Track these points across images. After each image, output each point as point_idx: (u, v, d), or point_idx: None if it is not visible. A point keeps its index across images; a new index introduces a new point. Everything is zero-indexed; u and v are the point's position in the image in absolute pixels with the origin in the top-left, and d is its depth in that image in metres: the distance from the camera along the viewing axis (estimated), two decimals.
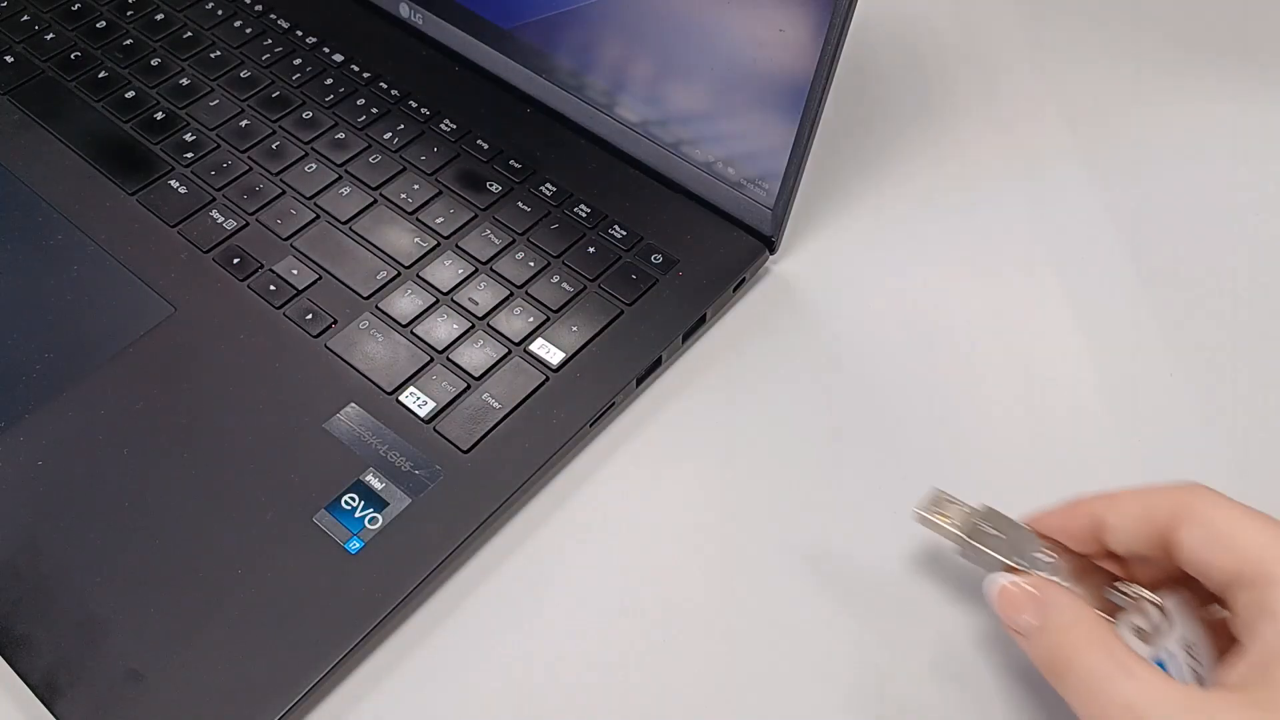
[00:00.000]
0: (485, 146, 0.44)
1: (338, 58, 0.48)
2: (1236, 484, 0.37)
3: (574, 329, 0.38)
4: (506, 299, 0.39)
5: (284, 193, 0.42)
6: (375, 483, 0.34)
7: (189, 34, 0.49)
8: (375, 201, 0.42)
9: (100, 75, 0.47)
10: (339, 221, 0.42)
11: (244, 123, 0.45)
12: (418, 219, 0.42)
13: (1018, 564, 0.30)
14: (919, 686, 0.32)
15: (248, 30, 0.49)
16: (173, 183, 0.43)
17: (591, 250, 0.41)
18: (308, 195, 0.42)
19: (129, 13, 0.50)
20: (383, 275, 0.40)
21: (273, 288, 0.39)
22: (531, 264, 0.40)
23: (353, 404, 0.36)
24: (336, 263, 0.40)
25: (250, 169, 0.43)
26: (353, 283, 0.40)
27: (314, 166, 0.43)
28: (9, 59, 0.47)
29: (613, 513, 0.36)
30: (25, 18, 0.49)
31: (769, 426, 0.38)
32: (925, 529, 0.32)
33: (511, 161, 0.44)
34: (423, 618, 0.33)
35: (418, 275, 0.40)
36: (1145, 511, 0.28)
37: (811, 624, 0.33)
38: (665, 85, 0.41)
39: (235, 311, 0.39)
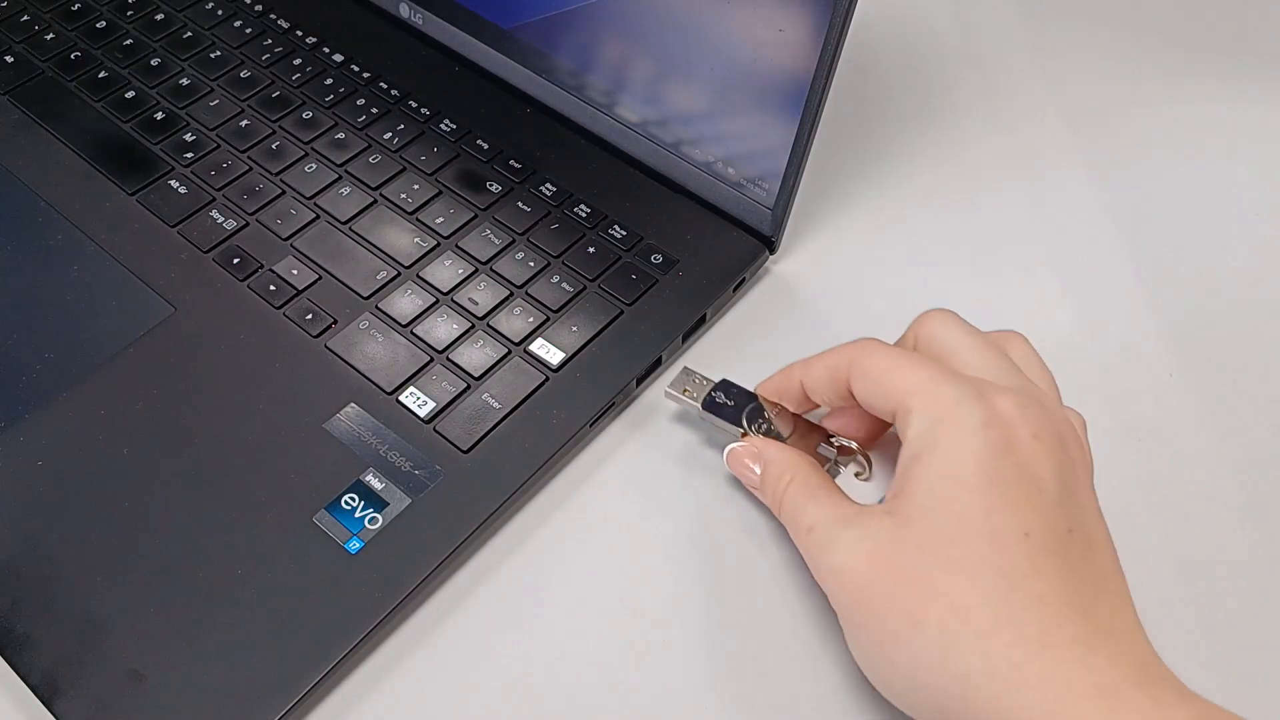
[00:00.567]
0: (485, 146, 0.44)
1: (338, 58, 0.48)
2: (1238, 483, 0.37)
3: (574, 329, 0.38)
4: (506, 299, 0.39)
5: (284, 193, 0.42)
6: (375, 483, 0.34)
7: (189, 34, 0.49)
8: (375, 201, 0.42)
9: (100, 75, 0.47)
10: (339, 221, 0.42)
11: (244, 123, 0.45)
12: (418, 219, 0.42)
13: (745, 428, 0.35)
14: None
15: (248, 30, 0.49)
16: (173, 183, 0.43)
17: (591, 250, 0.41)
18: (308, 195, 0.42)
19: (129, 13, 0.50)
20: (383, 275, 0.40)
21: (273, 288, 0.39)
22: (531, 264, 0.40)
23: (353, 404, 0.36)
24: (336, 263, 0.40)
25: (250, 169, 0.43)
26: (353, 283, 0.40)
27: (314, 166, 0.43)
28: (9, 59, 0.47)
29: (613, 513, 0.36)
30: (25, 18, 0.49)
31: None
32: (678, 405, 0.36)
33: (511, 161, 0.44)
34: (423, 618, 0.33)
35: (418, 275, 0.40)
36: (829, 371, 0.32)
37: (812, 623, 0.33)
38: (665, 85, 0.41)
39: (235, 311, 0.39)
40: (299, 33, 0.49)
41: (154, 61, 0.47)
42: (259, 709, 0.30)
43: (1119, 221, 0.45)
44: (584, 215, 0.42)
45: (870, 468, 0.34)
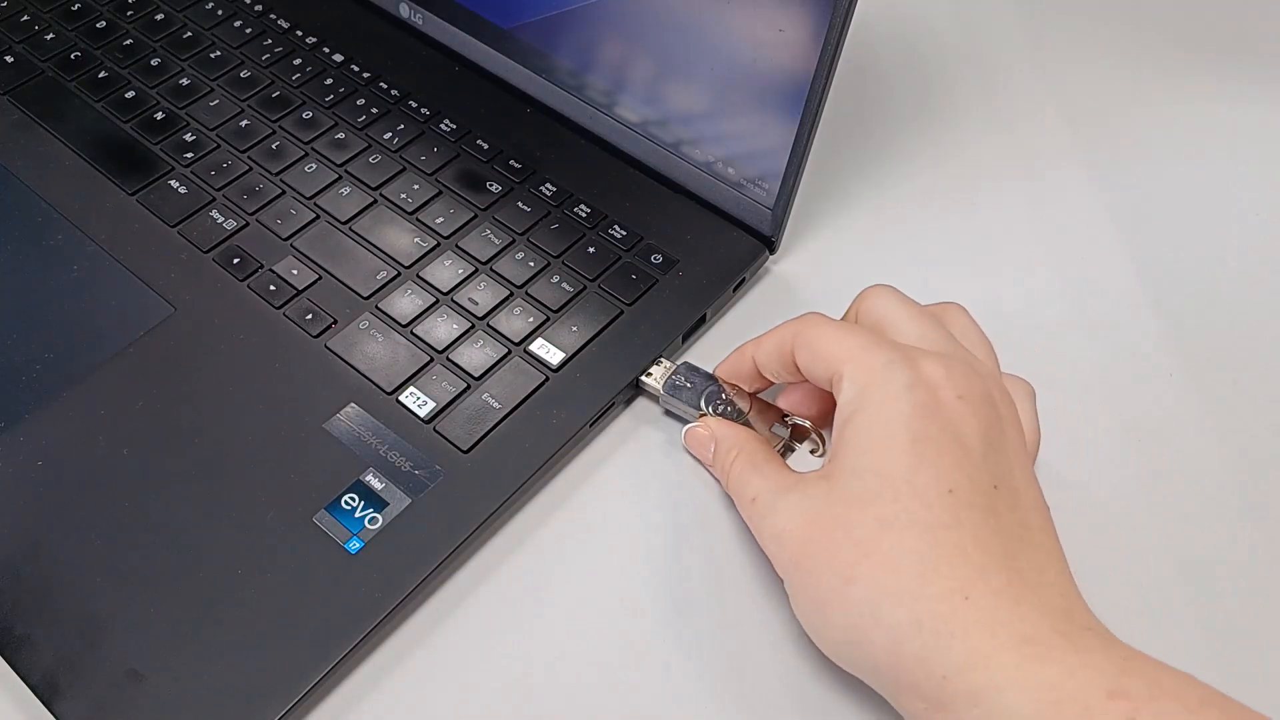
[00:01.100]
0: (485, 146, 0.44)
1: (338, 58, 0.48)
2: (1237, 483, 0.37)
3: (574, 329, 0.38)
4: (506, 299, 0.39)
5: (284, 193, 0.42)
6: (375, 483, 0.34)
7: (189, 34, 0.49)
8: (375, 201, 0.42)
9: (100, 75, 0.47)
10: (339, 221, 0.42)
11: (244, 123, 0.45)
12: (418, 219, 0.42)
13: (702, 409, 0.36)
14: None
15: (248, 30, 0.49)
16: (173, 183, 0.43)
17: (591, 250, 0.41)
18: (308, 195, 0.42)
19: (129, 13, 0.50)
20: (383, 275, 0.40)
21: (273, 288, 0.39)
22: (531, 264, 0.40)
23: (353, 404, 0.36)
24: (336, 263, 0.40)
25: (250, 169, 0.43)
26: (353, 283, 0.40)
27: (314, 166, 0.43)
28: (9, 59, 0.47)
29: (612, 513, 0.36)
30: (25, 18, 0.49)
31: None
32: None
33: (511, 161, 0.44)
34: (423, 618, 0.33)
35: (418, 275, 0.40)
36: (776, 346, 0.33)
37: None
38: (665, 85, 0.41)
39: (235, 311, 0.39)
40: (299, 33, 0.49)
41: (154, 61, 0.47)
42: (259, 709, 0.30)
43: (1119, 221, 0.45)
44: (584, 215, 0.42)
45: (825, 444, 0.35)
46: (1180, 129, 0.49)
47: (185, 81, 0.47)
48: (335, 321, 0.38)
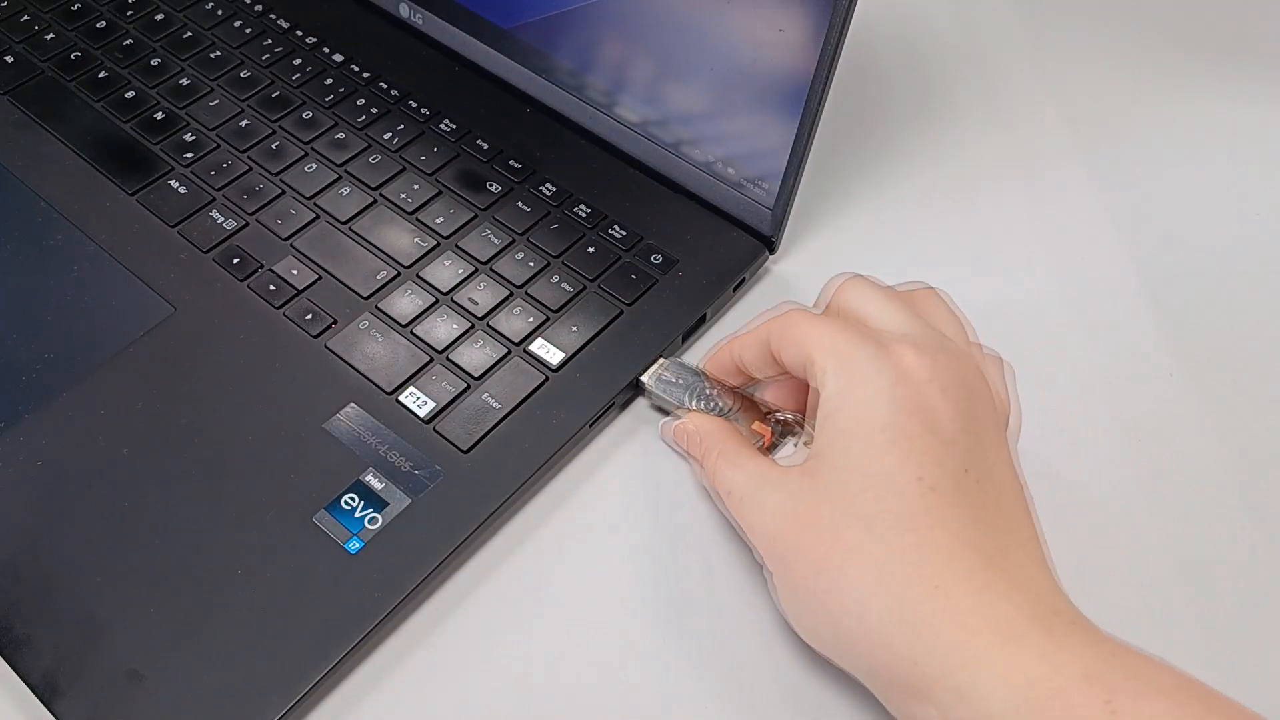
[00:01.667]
0: (485, 146, 0.44)
1: (338, 58, 0.48)
2: (1239, 483, 0.37)
3: (574, 329, 0.38)
4: (506, 299, 0.39)
5: (284, 193, 0.42)
6: (375, 483, 0.34)
7: (189, 34, 0.49)
8: (375, 201, 0.42)
9: (100, 75, 0.47)
10: (339, 221, 0.42)
11: (244, 123, 0.45)
12: (418, 219, 0.42)
13: (687, 404, 0.36)
14: None
15: (248, 30, 0.49)
16: (173, 183, 0.43)
17: (591, 250, 0.41)
18: (308, 195, 0.42)
19: (129, 13, 0.50)
20: (383, 275, 0.40)
21: (273, 288, 0.39)
22: (531, 264, 0.40)
23: (353, 404, 0.36)
24: (336, 263, 0.40)
25: (250, 169, 0.43)
26: (353, 283, 0.40)
27: (314, 166, 0.43)
28: (9, 59, 0.47)
29: (613, 512, 0.36)
30: (25, 18, 0.49)
31: None
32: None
33: (511, 161, 0.44)
34: (423, 618, 0.33)
35: (417, 275, 0.40)
36: (758, 342, 0.34)
37: None
38: (665, 85, 0.41)
39: (235, 311, 0.39)
40: (299, 33, 0.49)
41: (154, 61, 0.47)
42: (259, 709, 0.30)
43: (1119, 221, 0.45)
44: (584, 215, 0.42)
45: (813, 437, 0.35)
46: (1180, 129, 0.49)
47: (185, 81, 0.47)
48: (335, 321, 0.38)
